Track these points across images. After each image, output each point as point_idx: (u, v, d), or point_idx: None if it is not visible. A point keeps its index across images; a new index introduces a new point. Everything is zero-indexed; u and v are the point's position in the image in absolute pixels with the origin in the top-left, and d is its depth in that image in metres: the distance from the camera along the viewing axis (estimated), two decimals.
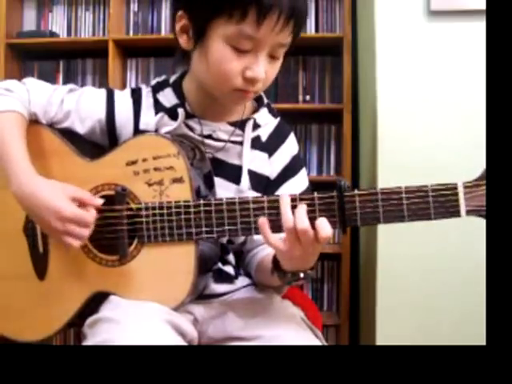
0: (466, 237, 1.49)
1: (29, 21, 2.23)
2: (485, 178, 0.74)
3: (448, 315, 1.55)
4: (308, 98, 2.10)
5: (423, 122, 1.56)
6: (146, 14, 2.17)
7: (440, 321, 1.56)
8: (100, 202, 0.85)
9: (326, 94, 2.10)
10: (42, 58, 2.17)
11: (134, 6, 2.17)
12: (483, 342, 0.69)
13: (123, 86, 2.14)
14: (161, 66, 2.14)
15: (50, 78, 2.16)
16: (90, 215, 0.83)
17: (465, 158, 1.51)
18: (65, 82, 2.17)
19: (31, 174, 0.85)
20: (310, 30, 2.10)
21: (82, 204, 0.84)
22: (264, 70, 0.83)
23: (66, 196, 0.83)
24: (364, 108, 1.89)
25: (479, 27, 1.53)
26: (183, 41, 0.87)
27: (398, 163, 1.55)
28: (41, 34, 2.12)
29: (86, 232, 0.83)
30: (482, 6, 1.50)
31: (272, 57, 0.84)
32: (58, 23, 2.21)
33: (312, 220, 0.74)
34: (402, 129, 1.57)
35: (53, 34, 2.14)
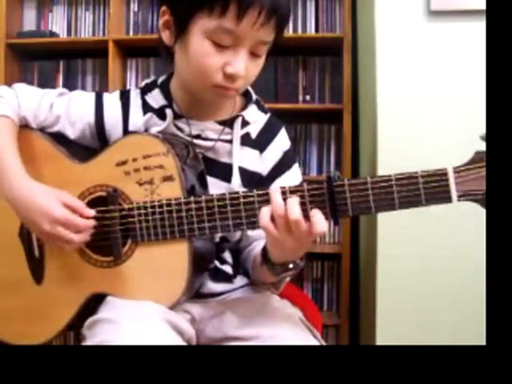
0: (466, 237, 1.49)
1: (29, 21, 2.23)
2: (475, 162, 0.74)
3: (448, 315, 1.55)
4: (308, 98, 2.10)
5: (423, 122, 1.56)
6: (145, 14, 2.17)
7: (440, 321, 1.56)
8: (92, 213, 0.85)
9: (326, 94, 2.10)
10: (41, 57, 2.17)
11: (134, 6, 2.17)
12: (483, 342, 0.69)
13: (123, 86, 2.14)
14: (161, 66, 2.13)
15: (50, 78, 2.16)
16: (83, 222, 0.83)
17: (464, 158, 1.50)
18: (65, 82, 2.17)
19: (24, 178, 0.85)
20: (310, 29, 2.10)
21: (74, 211, 0.84)
22: (244, 66, 0.82)
23: (59, 201, 0.83)
24: (364, 108, 1.89)
25: (479, 27, 1.53)
26: (165, 36, 0.87)
27: (397, 163, 1.54)
28: (41, 34, 2.12)
29: (76, 237, 0.83)
30: (482, 5, 1.50)
31: (254, 54, 0.84)
32: (58, 23, 2.21)
33: (303, 212, 0.74)
34: (401, 129, 1.57)
35: (53, 34, 2.14)
